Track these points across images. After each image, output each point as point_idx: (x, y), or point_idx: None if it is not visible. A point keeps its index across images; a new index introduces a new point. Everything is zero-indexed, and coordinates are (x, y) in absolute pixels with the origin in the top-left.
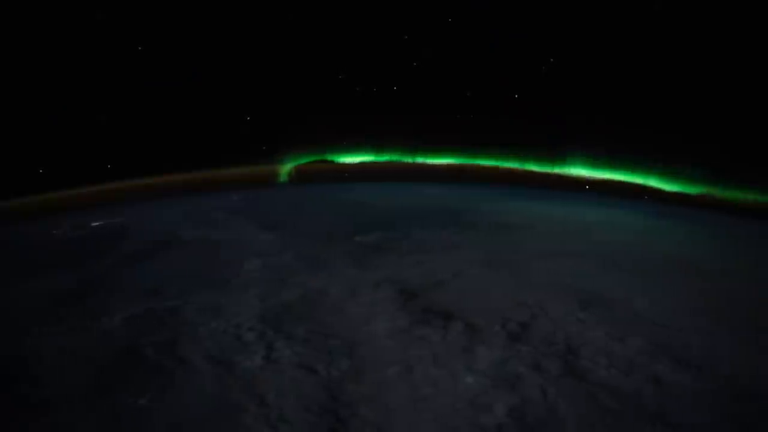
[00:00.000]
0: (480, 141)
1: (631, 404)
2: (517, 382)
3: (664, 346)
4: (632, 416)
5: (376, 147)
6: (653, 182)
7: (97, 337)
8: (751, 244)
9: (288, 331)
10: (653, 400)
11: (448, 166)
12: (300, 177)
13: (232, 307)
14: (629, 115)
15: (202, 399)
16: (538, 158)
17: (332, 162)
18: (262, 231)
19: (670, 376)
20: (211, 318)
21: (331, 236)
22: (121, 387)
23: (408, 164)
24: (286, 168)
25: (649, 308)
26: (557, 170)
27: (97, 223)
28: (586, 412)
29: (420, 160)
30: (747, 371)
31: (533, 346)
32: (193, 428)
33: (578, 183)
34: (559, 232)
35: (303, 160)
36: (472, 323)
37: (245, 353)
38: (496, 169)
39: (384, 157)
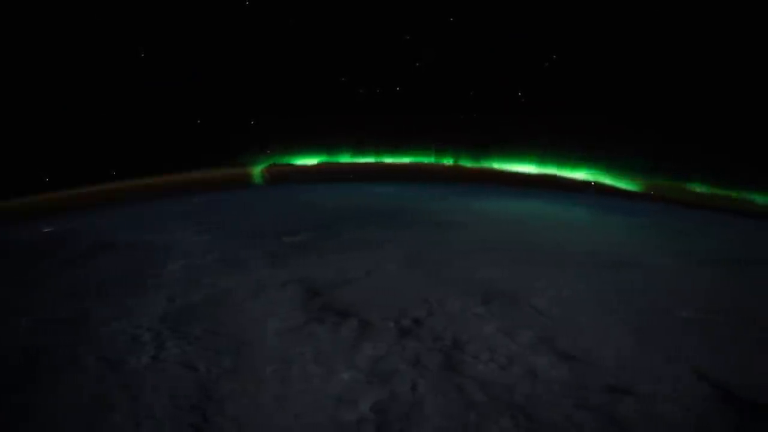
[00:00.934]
0: (442, 140)
1: (500, 398)
2: (392, 377)
3: (551, 340)
4: (496, 410)
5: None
6: (599, 176)
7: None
8: (685, 237)
9: (183, 331)
10: (523, 394)
11: (409, 165)
12: (275, 177)
13: (139, 309)
14: (576, 109)
15: (81, 398)
16: (494, 155)
17: (290, 164)
18: (197, 233)
19: (548, 371)
20: (116, 319)
21: (261, 237)
22: (8, 386)
23: (373, 164)
24: (258, 169)
25: (551, 303)
26: (505, 167)
27: (48, 229)
28: (451, 406)
29: (380, 159)
30: (630, 365)
31: (420, 341)
32: (62, 428)
33: (530, 180)
34: (493, 229)
35: (266, 163)
36: (367, 320)
37: (136, 353)
38: (457, 167)
39: (339, 158)
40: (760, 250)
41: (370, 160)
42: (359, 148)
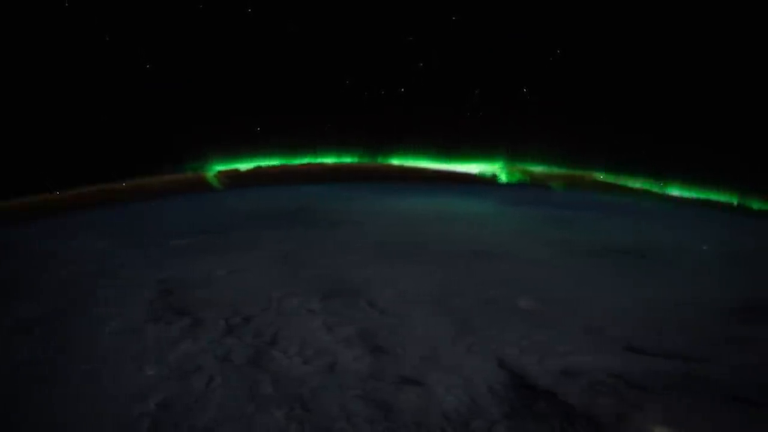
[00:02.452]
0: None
1: (286, 391)
2: (194, 373)
3: (370, 335)
4: (276, 402)
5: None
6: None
7: None
8: (577, 227)
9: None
10: (311, 387)
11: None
12: (236, 181)
13: None
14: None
15: None
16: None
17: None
18: (100, 239)
19: (349, 364)
20: None
21: (152, 242)
22: None
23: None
24: (212, 174)
25: (390, 298)
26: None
27: None
28: (234, 399)
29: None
30: (435, 356)
31: (239, 338)
32: None
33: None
34: (384, 227)
35: (210, 168)
36: (201, 318)
37: None
38: (385, 166)
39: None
40: (645, 240)
41: (308, 161)
42: (297, 150)
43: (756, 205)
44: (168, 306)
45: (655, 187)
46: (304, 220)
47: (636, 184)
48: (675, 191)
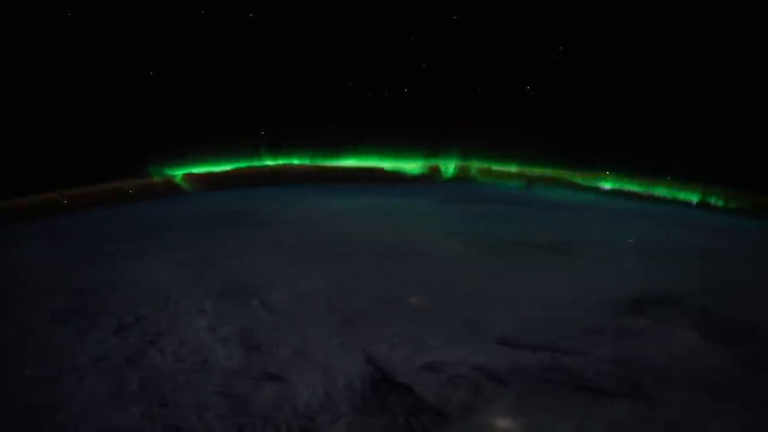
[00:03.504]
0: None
1: (147, 387)
2: (66, 374)
3: (250, 334)
4: (136, 397)
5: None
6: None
7: None
8: (500, 224)
9: None
10: (175, 383)
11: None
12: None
13: None
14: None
15: None
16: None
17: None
18: (35, 248)
19: (219, 361)
20: None
21: (81, 248)
22: None
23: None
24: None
25: (284, 298)
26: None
27: None
28: (102, 397)
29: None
30: (306, 354)
31: (125, 338)
32: None
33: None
34: (309, 226)
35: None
36: (97, 319)
37: None
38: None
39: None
40: (569, 236)
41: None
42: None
43: (713, 199)
44: (70, 307)
45: (607, 183)
46: (236, 222)
47: (583, 180)
48: (629, 186)
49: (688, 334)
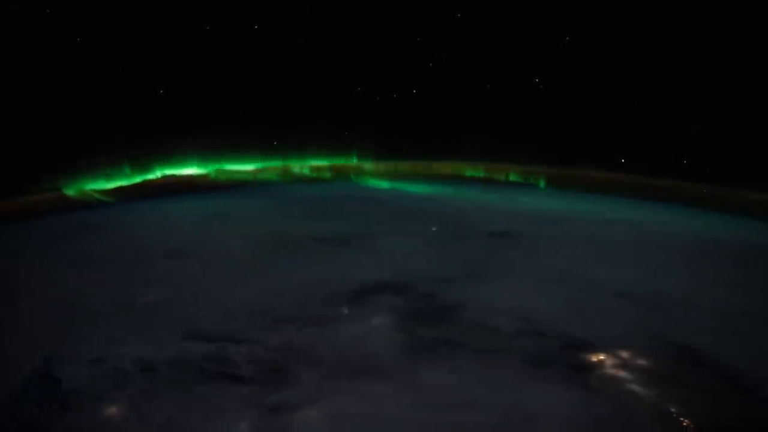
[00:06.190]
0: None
1: None
2: None
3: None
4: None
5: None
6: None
7: None
8: (287, 216)
9: None
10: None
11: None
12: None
13: None
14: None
15: None
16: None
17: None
18: None
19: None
20: None
21: None
22: None
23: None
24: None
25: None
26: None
27: None
28: None
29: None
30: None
31: None
32: None
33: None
34: (143, 231)
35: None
36: None
37: None
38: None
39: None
40: (372, 229)
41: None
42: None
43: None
44: None
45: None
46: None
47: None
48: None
49: (381, 321)
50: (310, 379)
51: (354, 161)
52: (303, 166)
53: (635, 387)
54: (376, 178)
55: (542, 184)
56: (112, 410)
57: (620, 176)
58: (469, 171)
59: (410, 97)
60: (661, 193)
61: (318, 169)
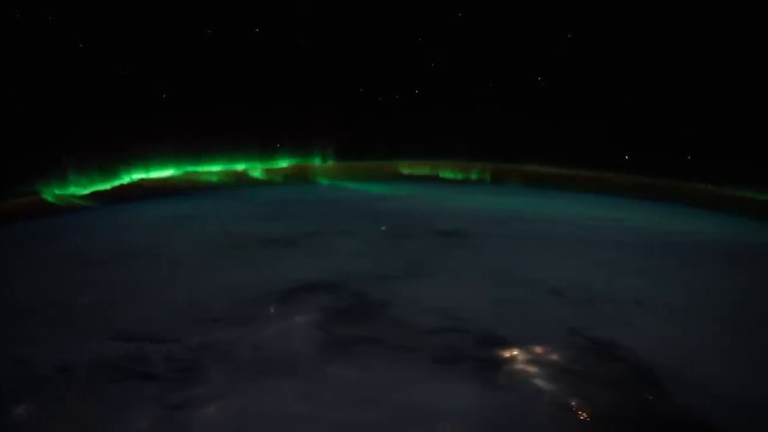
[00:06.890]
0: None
1: None
2: None
3: None
4: None
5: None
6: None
7: None
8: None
9: None
10: None
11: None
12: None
13: None
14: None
15: None
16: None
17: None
18: None
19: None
20: None
21: None
22: None
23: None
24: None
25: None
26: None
27: None
28: None
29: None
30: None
31: None
32: None
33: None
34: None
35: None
36: None
37: None
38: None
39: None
40: (318, 228)
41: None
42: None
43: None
44: None
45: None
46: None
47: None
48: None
49: (304, 320)
50: (218, 377)
51: (317, 162)
52: (265, 168)
53: (541, 382)
54: (337, 179)
55: (492, 180)
56: (20, 410)
57: (575, 173)
58: (426, 170)
59: (374, 98)
60: (619, 190)
61: (280, 170)
